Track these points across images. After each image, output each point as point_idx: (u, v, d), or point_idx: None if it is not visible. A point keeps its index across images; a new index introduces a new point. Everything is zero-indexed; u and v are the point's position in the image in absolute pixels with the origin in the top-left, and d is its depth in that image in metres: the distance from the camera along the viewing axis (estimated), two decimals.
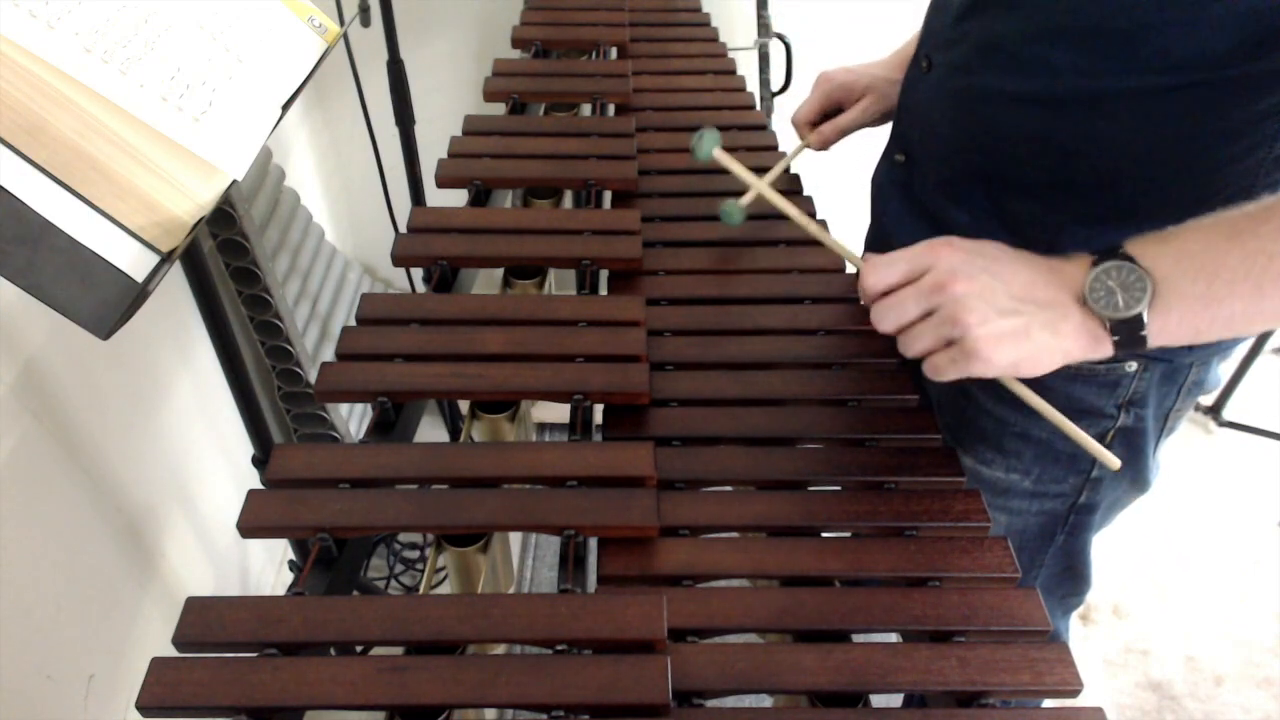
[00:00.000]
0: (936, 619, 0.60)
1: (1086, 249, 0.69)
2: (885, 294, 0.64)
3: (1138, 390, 0.80)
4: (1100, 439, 0.81)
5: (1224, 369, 0.86)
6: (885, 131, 0.92)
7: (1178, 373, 0.80)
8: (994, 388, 0.83)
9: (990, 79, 0.74)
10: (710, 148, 0.77)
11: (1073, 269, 0.61)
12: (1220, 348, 0.80)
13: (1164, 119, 0.66)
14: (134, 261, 0.69)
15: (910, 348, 0.64)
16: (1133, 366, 0.78)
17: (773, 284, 0.89)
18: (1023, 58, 0.71)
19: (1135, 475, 0.87)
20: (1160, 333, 0.58)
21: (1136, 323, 0.58)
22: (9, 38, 0.65)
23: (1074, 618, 1.53)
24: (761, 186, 0.75)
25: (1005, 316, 0.60)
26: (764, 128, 1.14)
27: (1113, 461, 0.66)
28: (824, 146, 1.03)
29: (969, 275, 0.61)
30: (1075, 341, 0.60)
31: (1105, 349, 0.60)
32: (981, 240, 0.64)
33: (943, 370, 0.63)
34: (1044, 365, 0.61)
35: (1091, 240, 0.75)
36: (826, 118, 1.03)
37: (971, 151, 0.78)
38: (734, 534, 0.67)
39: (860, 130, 1.01)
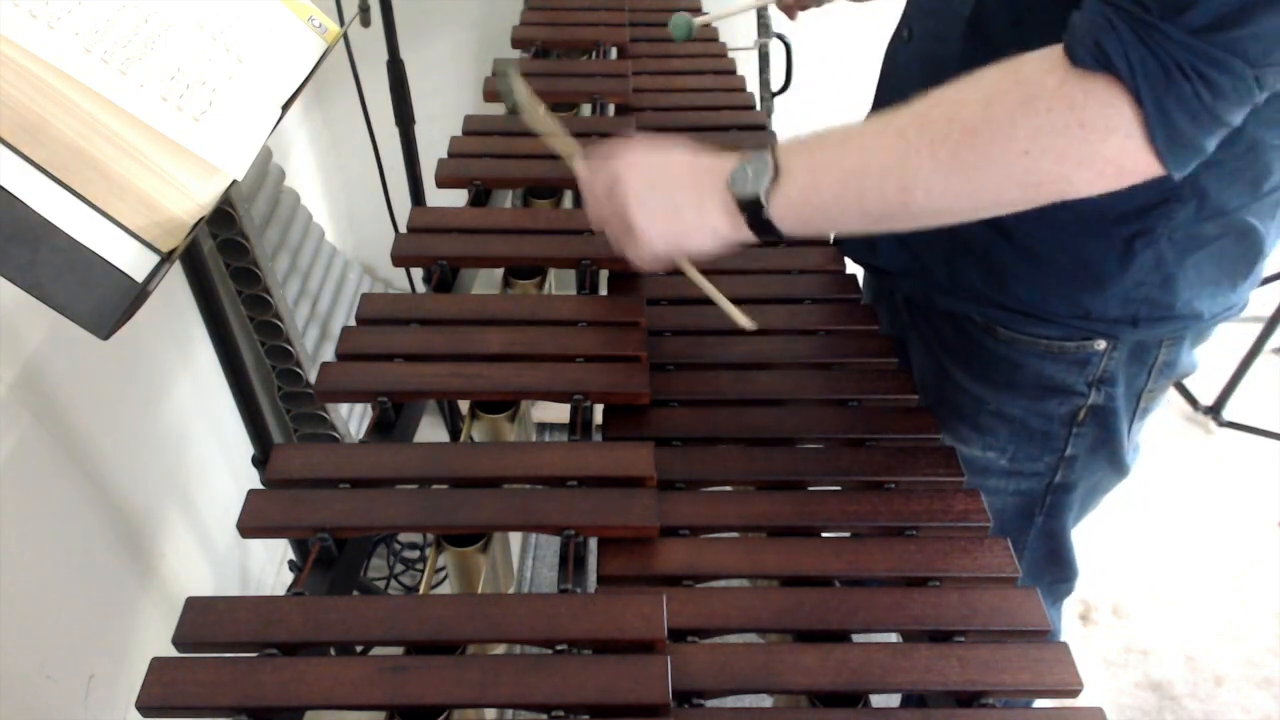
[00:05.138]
0: (936, 619, 0.60)
1: (1062, 222, 0.70)
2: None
3: (1107, 368, 0.81)
4: (1073, 416, 0.84)
5: (1222, 367, 0.87)
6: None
7: (1146, 352, 0.81)
8: (970, 366, 0.86)
9: (959, 48, 0.75)
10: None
11: (732, 159, 0.68)
12: (1191, 330, 0.80)
13: None
14: (134, 261, 0.69)
15: (607, 236, 0.74)
16: (1101, 345, 0.80)
17: (773, 284, 0.89)
18: (983, 28, 0.72)
19: (1111, 456, 0.88)
20: (779, 217, 0.66)
21: (757, 203, 0.65)
22: (9, 38, 0.65)
23: (1074, 618, 1.53)
24: None
25: (658, 199, 0.69)
26: (764, 128, 1.14)
27: (747, 323, 0.75)
28: (796, 7, 1.02)
29: (635, 166, 0.70)
30: (719, 219, 0.68)
31: (741, 228, 0.68)
32: (662, 138, 0.73)
33: (624, 250, 0.72)
34: (699, 240, 0.70)
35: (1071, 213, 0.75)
36: None
37: None
38: (734, 534, 0.67)
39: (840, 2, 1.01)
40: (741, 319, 0.76)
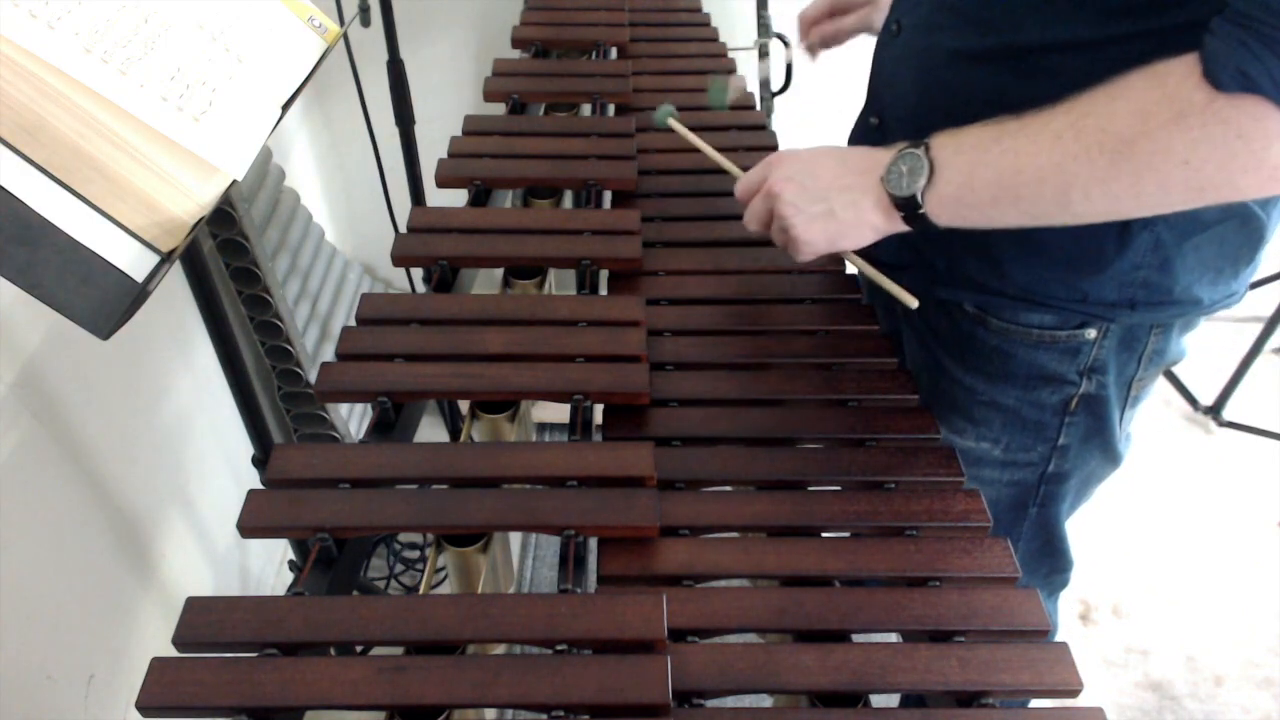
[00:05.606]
0: (936, 619, 0.60)
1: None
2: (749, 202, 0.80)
3: (1098, 357, 0.82)
4: (1065, 405, 0.85)
5: (1222, 367, 0.87)
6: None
7: (1135, 340, 0.81)
8: (964, 358, 0.87)
9: (947, 38, 0.76)
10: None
11: (882, 156, 0.71)
12: (1179, 318, 0.81)
13: (1109, 72, 0.67)
14: (134, 261, 0.69)
15: (776, 240, 0.80)
16: (1091, 333, 0.80)
17: (773, 284, 0.89)
18: (973, 15, 0.73)
19: (1103, 444, 0.88)
20: (935, 212, 0.69)
21: (913, 201, 0.69)
22: (9, 38, 0.65)
23: (1074, 618, 1.53)
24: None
25: (814, 204, 0.74)
26: (764, 128, 1.14)
27: (910, 300, 0.78)
28: (820, 46, 1.04)
29: (789, 178, 0.75)
30: (875, 215, 0.72)
31: (897, 223, 0.72)
32: (817, 146, 0.77)
33: (790, 252, 0.78)
34: (856, 236, 0.75)
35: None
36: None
37: (934, 113, 0.79)
38: (734, 534, 0.67)
39: (860, 35, 1.02)
40: (907, 298, 0.78)
